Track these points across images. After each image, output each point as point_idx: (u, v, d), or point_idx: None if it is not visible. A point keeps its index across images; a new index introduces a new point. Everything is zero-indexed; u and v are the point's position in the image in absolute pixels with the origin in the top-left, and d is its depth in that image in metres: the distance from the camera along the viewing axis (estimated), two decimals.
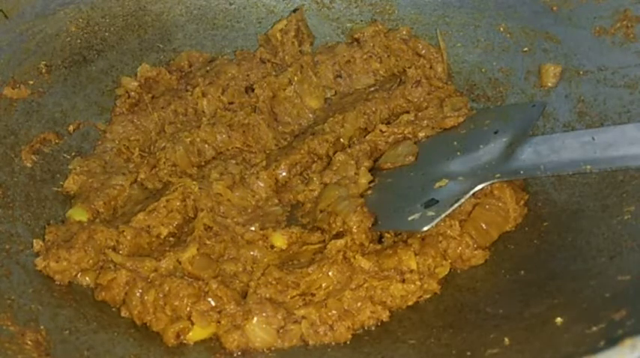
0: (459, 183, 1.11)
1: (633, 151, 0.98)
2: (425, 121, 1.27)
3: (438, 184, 1.13)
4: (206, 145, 1.30)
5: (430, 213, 1.08)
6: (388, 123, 1.30)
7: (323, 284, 1.08)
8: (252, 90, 1.35)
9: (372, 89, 1.38)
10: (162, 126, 1.34)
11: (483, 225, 1.15)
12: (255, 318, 1.03)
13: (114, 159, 1.30)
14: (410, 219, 1.10)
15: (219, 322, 1.05)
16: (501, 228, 1.16)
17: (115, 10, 1.40)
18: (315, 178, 1.23)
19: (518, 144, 1.12)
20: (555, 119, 1.24)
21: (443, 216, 1.08)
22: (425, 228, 1.08)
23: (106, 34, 1.39)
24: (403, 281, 1.08)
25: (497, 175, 1.10)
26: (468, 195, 1.09)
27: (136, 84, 1.38)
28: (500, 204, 1.16)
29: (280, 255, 1.14)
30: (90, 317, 1.06)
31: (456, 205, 1.09)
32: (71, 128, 1.31)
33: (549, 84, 1.27)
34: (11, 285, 1.06)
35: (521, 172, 1.09)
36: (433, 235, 1.13)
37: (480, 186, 1.10)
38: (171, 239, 1.18)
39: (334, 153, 1.25)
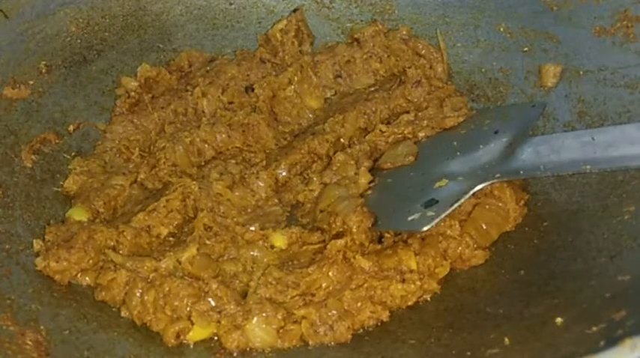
0: (459, 183, 1.11)
1: (633, 151, 0.98)
2: (425, 121, 1.27)
3: (437, 184, 1.13)
4: (206, 145, 1.29)
5: (430, 213, 1.08)
6: (388, 123, 1.30)
7: (323, 284, 1.08)
8: (252, 90, 1.35)
9: (372, 89, 1.37)
10: (162, 126, 1.34)
11: (483, 225, 1.15)
12: (255, 318, 1.03)
13: (114, 159, 1.30)
14: (410, 219, 1.10)
15: (219, 322, 1.05)
16: (501, 228, 1.16)
17: (115, 10, 1.40)
18: (315, 178, 1.23)
19: (518, 144, 1.11)
20: (555, 119, 1.24)
21: (443, 216, 1.08)
22: (425, 228, 1.07)
23: (106, 34, 1.40)
24: (403, 281, 1.08)
25: (497, 175, 1.10)
26: (468, 195, 1.09)
27: (136, 84, 1.38)
28: (500, 204, 1.16)
29: (280, 255, 1.14)
30: (90, 317, 1.06)
31: (456, 205, 1.09)
32: (71, 128, 1.31)
33: (549, 84, 1.27)
34: (11, 285, 1.05)
35: (521, 172, 1.09)
36: (433, 235, 1.13)
37: (480, 186, 1.10)
38: (171, 239, 1.18)
39: (334, 153, 1.25)
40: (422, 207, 1.10)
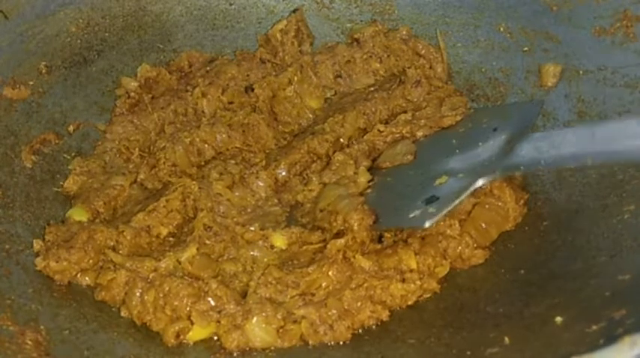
0: (459, 179, 1.11)
1: (634, 144, 0.97)
2: (422, 121, 1.27)
3: (438, 181, 1.12)
4: (206, 145, 1.29)
5: (431, 210, 1.08)
6: (387, 122, 1.30)
7: (323, 284, 1.07)
8: (252, 90, 1.35)
9: (372, 89, 1.37)
10: (162, 127, 1.34)
11: (483, 225, 1.15)
12: (255, 318, 1.03)
13: (114, 160, 1.30)
14: (411, 216, 1.09)
15: (219, 322, 1.05)
16: (501, 228, 1.16)
17: (115, 11, 1.40)
18: (314, 178, 1.22)
19: (518, 140, 1.11)
20: (555, 119, 1.24)
21: (445, 211, 1.07)
22: (427, 225, 1.07)
23: (106, 34, 1.40)
24: (403, 280, 1.08)
25: (498, 171, 1.09)
26: (469, 191, 1.09)
27: (136, 84, 1.38)
28: (499, 204, 1.16)
29: (280, 255, 1.14)
30: (90, 317, 1.06)
31: (457, 201, 1.08)
32: (71, 128, 1.31)
33: (549, 84, 1.27)
34: (11, 285, 1.05)
35: (522, 167, 1.08)
36: (433, 235, 1.13)
37: (480, 182, 1.09)
38: (171, 239, 1.18)
39: (334, 153, 1.25)
40: (423, 204, 1.10)
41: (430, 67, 1.37)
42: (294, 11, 1.44)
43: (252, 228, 1.16)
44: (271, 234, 1.15)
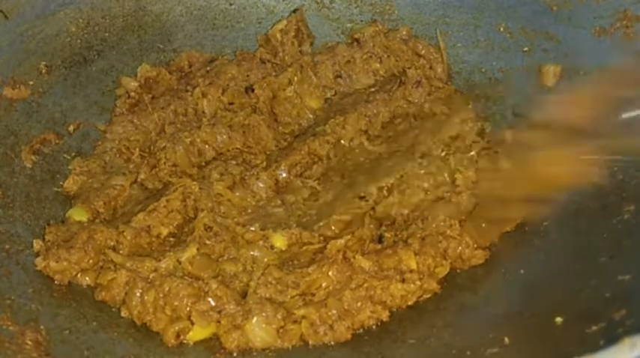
0: None
1: None
2: None
3: None
4: (206, 146, 1.29)
5: None
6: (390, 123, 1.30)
7: (323, 284, 1.07)
8: (252, 90, 1.35)
9: (373, 90, 1.37)
10: (162, 127, 1.34)
11: (483, 225, 1.15)
12: (255, 318, 1.03)
13: (114, 160, 1.29)
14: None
15: (219, 322, 1.05)
16: (502, 228, 1.16)
17: (115, 11, 1.40)
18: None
19: None
20: None
21: None
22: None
23: (106, 34, 1.40)
24: (403, 281, 1.08)
25: None
26: None
27: (136, 84, 1.38)
28: None
29: (280, 255, 1.14)
30: (90, 317, 1.06)
31: None
32: (71, 128, 1.31)
33: (549, 84, 1.27)
34: (11, 285, 1.05)
35: None
36: (433, 235, 1.13)
37: None
38: (171, 239, 1.18)
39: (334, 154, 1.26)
40: None
41: (430, 68, 1.37)
42: (294, 11, 1.44)
43: (252, 229, 1.16)
44: (271, 235, 1.15)
